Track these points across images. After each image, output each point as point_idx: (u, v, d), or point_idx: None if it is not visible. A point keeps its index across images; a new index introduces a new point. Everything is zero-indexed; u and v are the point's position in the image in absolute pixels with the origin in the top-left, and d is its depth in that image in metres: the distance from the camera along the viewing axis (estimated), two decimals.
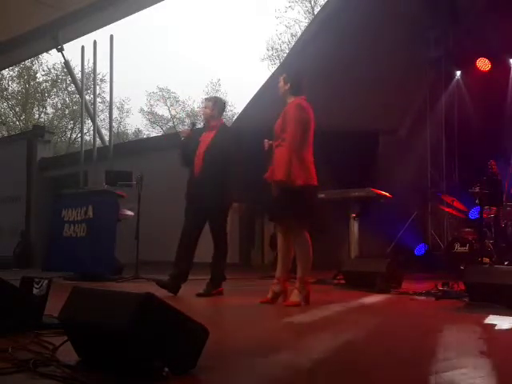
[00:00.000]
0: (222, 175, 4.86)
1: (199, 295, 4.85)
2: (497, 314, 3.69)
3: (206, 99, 5.38)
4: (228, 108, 30.25)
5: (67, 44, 11.33)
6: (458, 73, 9.00)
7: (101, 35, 10.21)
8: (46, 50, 14.60)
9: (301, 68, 8.55)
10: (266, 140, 4.40)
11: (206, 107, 5.14)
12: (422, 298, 4.82)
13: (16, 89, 27.55)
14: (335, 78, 8.93)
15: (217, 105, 5.15)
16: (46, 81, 27.68)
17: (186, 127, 5.43)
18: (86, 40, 10.44)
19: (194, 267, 5.34)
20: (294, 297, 4.25)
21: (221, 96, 30.21)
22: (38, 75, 27.57)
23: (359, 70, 8.94)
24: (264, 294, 4.45)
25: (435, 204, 8.73)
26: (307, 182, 4.20)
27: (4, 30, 10.06)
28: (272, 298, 4.35)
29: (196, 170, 4.99)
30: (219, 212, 4.95)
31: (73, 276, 6.92)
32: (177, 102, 30.77)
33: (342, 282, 6.01)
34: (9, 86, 27.27)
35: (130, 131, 32.07)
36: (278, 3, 26.86)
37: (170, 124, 31.06)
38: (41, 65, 27.15)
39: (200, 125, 5.99)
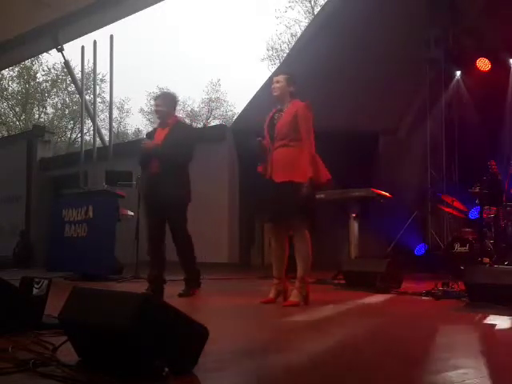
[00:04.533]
0: (177, 172, 4.80)
1: (180, 295, 4.84)
2: (497, 314, 3.69)
3: (154, 98, 5.21)
4: (228, 108, 30.20)
5: (67, 44, 11.35)
6: (458, 73, 9.00)
7: (101, 35, 10.23)
8: (46, 50, 14.60)
9: (301, 68, 8.56)
10: (259, 138, 4.36)
11: (157, 105, 5.02)
12: (422, 297, 4.83)
13: (16, 89, 27.55)
14: (335, 77, 8.92)
15: (166, 101, 5.03)
16: (46, 81, 27.68)
17: (146, 139, 5.41)
18: (86, 40, 10.46)
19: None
20: (294, 297, 4.24)
21: (220, 96, 30.44)
22: (38, 75, 27.58)
23: (359, 69, 8.93)
24: (264, 294, 4.46)
25: (435, 204, 8.73)
26: (329, 178, 4.29)
27: (4, 30, 10.07)
28: (275, 298, 4.36)
29: (152, 168, 4.91)
30: (176, 210, 4.84)
31: (73, 276, 6.92)
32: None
33: (342, 281, 6.01)
34: (9, 85, 27.28)
35: (129, 131, 32.10)
36: (278, 3, 26.78)
37: None
38: (41, 65, 27.18)
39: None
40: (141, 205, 5.03)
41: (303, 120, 4.24)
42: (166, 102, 5.01)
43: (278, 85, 4.38)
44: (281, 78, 4.41)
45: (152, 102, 25.47)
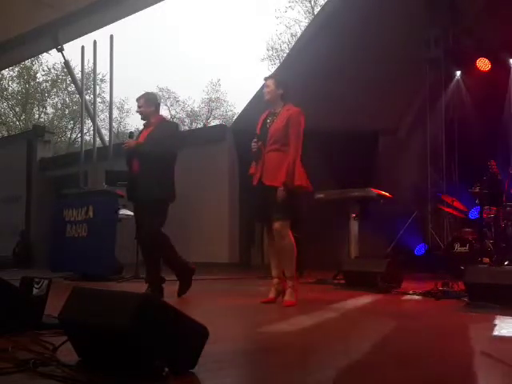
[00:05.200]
0: (159, 171, 4.77)
1: (179, 295, 4.86)
2: (497, 314, 3.69)
3: (137, 99, 5.14)
4: (228, 108, 30.19)
5: (67, 44, 11.33)
6: (458, 73, 9.00)
7: (101, 35, 10.22)
8: (46, 50, 14.60)
9: (301, 68, 8.57)
10: (255, 140, 4.41)
11: (139, 106, 5.03)
12: (422, 297, 4.83)
13: (16, 89, 27.55)
14: (335, 77, 8.92)
15: (148, 101, 5.03)
16: (46, 81, 27.69)
17: (129, 139, 5.37)
18: (86, 40, 10.44)
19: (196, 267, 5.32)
20: (290, 297, 4.27)
21: (220, 96, 30.44)
22: (38, 75, 27.60)
23: (359, 69, 8.93)
24: (264, 294, 4.46)
25: (435, 204, 8.73)
26: (308, 185, 4.35)
27: (4, 29, 10.06)
28: (275, 297, 4.38)
29: (134, 166, 4.91)
30: (150, 209, 4.77)
31: (73, 276, 6.93)
32: (177, 102, 30.81)
33: (342, 281, 6.01)
34: (9, 85, 27.29)
35: (129, 131, 32.08)
36: (278, 3, 26.79)
37: None
38: (41, 65, 27.20)
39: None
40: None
41: (294, 125, 4.31)
42: (147, 102, 5.03)
43: (267, 89, 4.47)
44: (269, 82, 4.49)
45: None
